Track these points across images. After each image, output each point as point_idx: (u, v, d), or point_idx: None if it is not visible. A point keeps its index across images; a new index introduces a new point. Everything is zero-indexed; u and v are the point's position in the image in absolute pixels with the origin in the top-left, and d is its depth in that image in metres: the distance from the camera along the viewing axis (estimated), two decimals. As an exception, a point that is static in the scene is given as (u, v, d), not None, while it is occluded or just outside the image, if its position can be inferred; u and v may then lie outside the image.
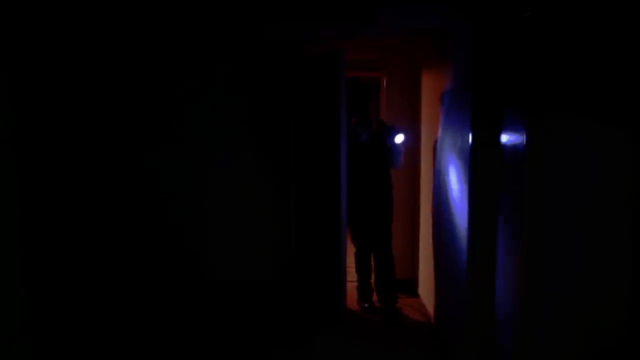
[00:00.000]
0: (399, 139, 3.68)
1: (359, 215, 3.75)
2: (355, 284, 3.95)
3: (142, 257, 3.33)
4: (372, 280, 3.92)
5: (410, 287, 4.20)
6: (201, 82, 3.48)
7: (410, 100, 4.13)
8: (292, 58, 3.60)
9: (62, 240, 2.27)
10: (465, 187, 2.64)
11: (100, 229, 2.75)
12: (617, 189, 1.95)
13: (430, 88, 3.71)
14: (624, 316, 1.97)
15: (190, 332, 3.28)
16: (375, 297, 3.92)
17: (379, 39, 3.86)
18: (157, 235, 3.42)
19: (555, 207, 1.99)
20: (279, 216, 3.63)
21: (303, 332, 3.31)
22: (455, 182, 2.89)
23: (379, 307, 3.81)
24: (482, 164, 2.54)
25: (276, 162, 3.61)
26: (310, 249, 3.70)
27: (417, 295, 4.10)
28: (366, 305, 3.83)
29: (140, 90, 3.35)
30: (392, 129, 3.71)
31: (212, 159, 3.52)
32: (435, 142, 3.51)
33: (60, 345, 2.13)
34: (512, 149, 2.19)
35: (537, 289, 2.04)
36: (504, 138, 2.30)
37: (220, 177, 3.56)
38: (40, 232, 2.03)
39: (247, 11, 2.71)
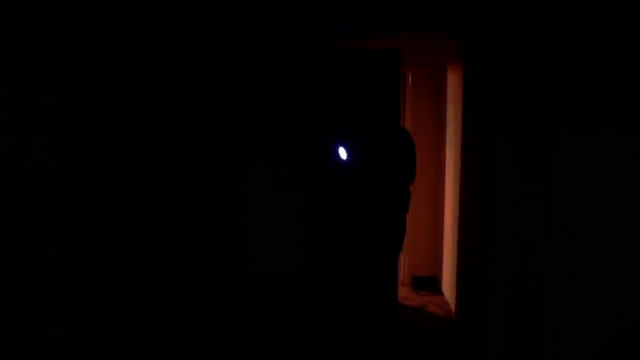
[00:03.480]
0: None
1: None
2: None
3: (181, 250, 3.36)
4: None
5: (434, 284, 4.18)
6: (248, 79, 3.51)
7: (435, 97, 4.10)
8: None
9: (104, 234, 2.29)
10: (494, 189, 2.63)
11: (143, 224, 2.78)
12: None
13: (455, 83, 3.69)
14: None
15: (234, 324, 3.32)
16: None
17: (400, 35, 3.84)
18: (198, 230, 3.45)
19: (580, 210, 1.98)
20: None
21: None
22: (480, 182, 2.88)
23: None
24: (512, 165, 2.53)
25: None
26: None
27: (440, 293, 4.09)
28: None
29: (192, 86, 3.36)
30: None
31: (255, 154, 3.56)
32: (461, 141, 3.49)
33: (100, 337, 2.15)
34: (538, 150, 2.18)
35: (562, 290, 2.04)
36: (527, 141, 2.29)
37: (260, 172, 3.60)
38: (84, 225, 2.05)
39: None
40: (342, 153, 3.39)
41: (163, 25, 2.99)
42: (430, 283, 4.18)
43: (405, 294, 4.06)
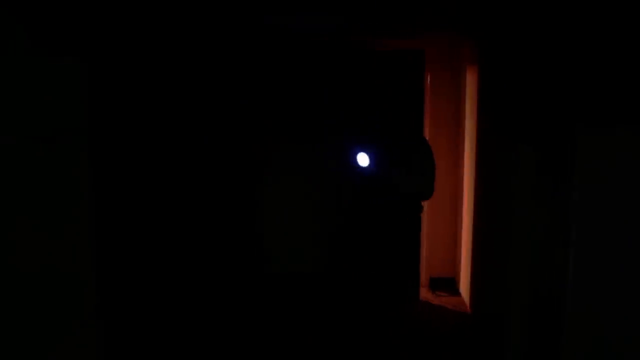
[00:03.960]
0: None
1: None
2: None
3: (204, 249, 3.42)
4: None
5: (451, 285, 4.17)
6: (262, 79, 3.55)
7: (454, 98, 4.09)
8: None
9: (129, 232, 2.34)
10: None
11: (167, 222, 2.83)
12: None
13: (474, 84, 3.68)
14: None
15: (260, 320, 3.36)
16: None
17: (418, 35, 3.84)
18: (220, 229, 3.50)
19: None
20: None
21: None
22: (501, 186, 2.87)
23: None
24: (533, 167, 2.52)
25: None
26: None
27: (458, 294, 4.07)
28: None
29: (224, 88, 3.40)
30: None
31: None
32: (479, 142, 3.48)
33: (125, 331, 2.20)
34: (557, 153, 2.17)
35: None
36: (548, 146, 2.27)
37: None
38: (110, 222, 2.10)
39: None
40: (362, 160, 3.30)
41: (190, 31, 3.04)
42: (447, 284, 4.17)
43: (422, 294, 4.06)
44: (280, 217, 3.74)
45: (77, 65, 1.84)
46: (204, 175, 3.21)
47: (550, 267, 2.30)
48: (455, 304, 3.89)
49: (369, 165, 3.25)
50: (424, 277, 4.22)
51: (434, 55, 4.09)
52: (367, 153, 3.25)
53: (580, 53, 1.97)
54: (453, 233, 4.19)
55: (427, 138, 3.68)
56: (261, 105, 3.61)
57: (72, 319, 1.82)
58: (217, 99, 3.34)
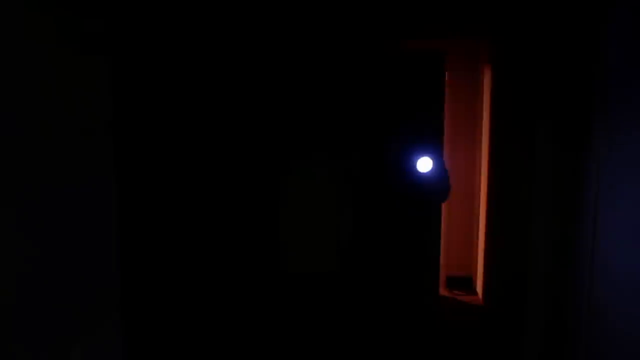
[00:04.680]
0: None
1: None
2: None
3: (227, 246, 3.46)
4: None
5: (468, 284, 4.16)
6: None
7: (471, 98, 4.08)
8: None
9: (152, 227, 2.39)
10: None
11: (191, 220, 2.88)
12: None
13: (490, 83, 3.67)
14: None
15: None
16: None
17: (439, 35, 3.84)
18: (242, 227, 3.53)
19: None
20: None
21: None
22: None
23: None
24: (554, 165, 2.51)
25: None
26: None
27: (475, 293, 4.06)
28: None
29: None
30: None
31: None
32: (496, 141, 3.47)
33: (149, 325, 2.25)
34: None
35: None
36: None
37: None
38: (135, 218, 2.15)
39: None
40: (424, 166, 3.15)
41: (218, 29, 3.07)
42: (464, 283, 4.16)
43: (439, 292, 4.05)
44: (300, 215, 3.76)
45: (103, 64, 1.89)
46: (226, 174, 3.24)
47: (568, 261, 2.30)
48: (472, 302, 3.88)
49: (431, 170, 3.14)
50: (441, 275, 4.22)
51: (452, 55, 4.09)
52: (431, 157, 3.15)
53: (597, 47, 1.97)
54: (470, 232, 4.17)
55: (446, 137, 3.68)
56: (278, 106, 3.64)
57: (96, 313, 1.87)
58: (239, 99, 3.37)
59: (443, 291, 4.07)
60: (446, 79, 4.25)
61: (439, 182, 3.21)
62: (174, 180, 2.55)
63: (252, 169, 3.43)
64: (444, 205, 3.87)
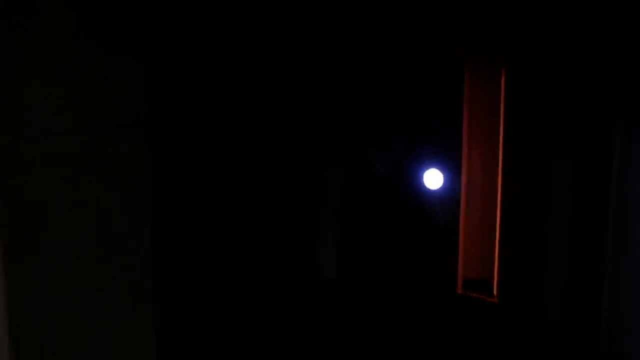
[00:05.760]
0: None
1: None
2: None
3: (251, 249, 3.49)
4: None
5: (487, 288, 4.14)
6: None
7: (488, 100, 4.09)
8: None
9: (186, 226, 2.46)
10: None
11: (218, 220, 2.93)
12: None
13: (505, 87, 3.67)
14: None
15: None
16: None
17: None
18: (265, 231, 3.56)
19: None
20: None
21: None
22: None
23: None
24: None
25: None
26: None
27: (493, 297, 4.05)
28: None
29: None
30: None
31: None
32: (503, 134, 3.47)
33: (180, 316, 2.32)
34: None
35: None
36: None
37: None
38: (168, 216, 2.22)
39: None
40: (433, 178, 2.88)
41: (254, 27, 3.11)
42: (482, 286, 4.15)
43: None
44: (316, 218, 3.77)
45: (135, 59, 1.95)
46: (254, 176, 3.27)
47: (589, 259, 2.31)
48: (489, 304, 3.88)
49: (443, 184, 2.85)
50: (458, 278, 4.22)
51: (470, 59, 4.10)
52: (439, 170, 2.86)
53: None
54: (488, 233, 4.16)
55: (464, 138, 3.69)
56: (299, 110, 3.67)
57: (129, 302, 1.93)
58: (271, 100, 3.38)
59: (460, 293, 4.07)
60: (466, 85, 4.26)
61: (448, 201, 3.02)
62: (207, 176, 2.60)
63: (277, 171, 3.44)
64: (462, 208, 3.87)
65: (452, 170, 3.10)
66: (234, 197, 3.02)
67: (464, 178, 3.37)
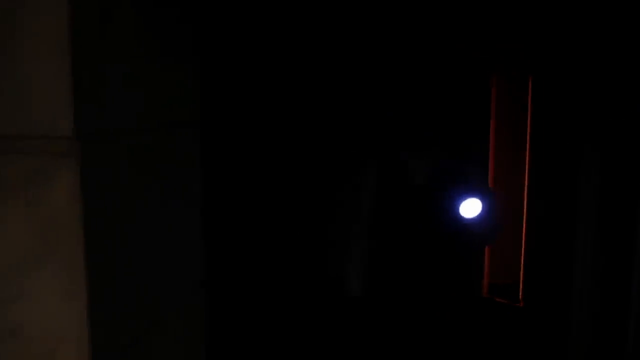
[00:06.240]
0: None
1: None
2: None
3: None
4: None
5: (512, 292, 4.16)
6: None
7: (516, 107, 4.13)
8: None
9: (235, 224, 2.58)
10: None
11: (262, 221, 3.01)
12: None
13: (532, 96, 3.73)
14: None
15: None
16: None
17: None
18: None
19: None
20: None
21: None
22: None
23: None
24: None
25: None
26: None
27: (519, 302, 4.08)
28: None
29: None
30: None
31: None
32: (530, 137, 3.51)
33: (229, 304, 2.44)
34: None
35: None
36: None
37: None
38: (218, 214, 2.33)
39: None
40: (472, 208, 2.70)
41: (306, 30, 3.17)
42: (508, 290, 4.17)
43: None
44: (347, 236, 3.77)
45: (188, 62, 2.08)
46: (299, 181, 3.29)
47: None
48: (516, 309, 3.91)
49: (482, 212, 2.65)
50: (484, 282, 4.25)
51: (498, 67, 4.17)
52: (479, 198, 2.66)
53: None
54: (515, 237, 4.18)
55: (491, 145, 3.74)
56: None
57: (182, 291, 2.06)
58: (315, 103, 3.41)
59: (486, 297, 4.10)
60: (493, 91, 4.31)
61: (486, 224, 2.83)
62: (257, 177, 2.69)
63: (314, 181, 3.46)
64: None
65: (481, 186, 3.03)
66: (271, 198, 3.10)
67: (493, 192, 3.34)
